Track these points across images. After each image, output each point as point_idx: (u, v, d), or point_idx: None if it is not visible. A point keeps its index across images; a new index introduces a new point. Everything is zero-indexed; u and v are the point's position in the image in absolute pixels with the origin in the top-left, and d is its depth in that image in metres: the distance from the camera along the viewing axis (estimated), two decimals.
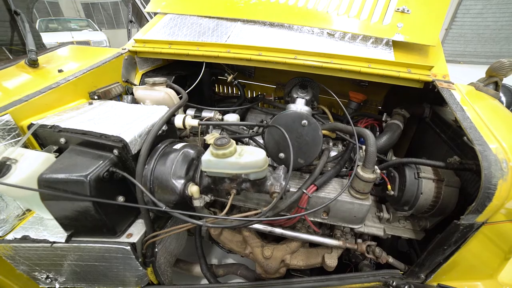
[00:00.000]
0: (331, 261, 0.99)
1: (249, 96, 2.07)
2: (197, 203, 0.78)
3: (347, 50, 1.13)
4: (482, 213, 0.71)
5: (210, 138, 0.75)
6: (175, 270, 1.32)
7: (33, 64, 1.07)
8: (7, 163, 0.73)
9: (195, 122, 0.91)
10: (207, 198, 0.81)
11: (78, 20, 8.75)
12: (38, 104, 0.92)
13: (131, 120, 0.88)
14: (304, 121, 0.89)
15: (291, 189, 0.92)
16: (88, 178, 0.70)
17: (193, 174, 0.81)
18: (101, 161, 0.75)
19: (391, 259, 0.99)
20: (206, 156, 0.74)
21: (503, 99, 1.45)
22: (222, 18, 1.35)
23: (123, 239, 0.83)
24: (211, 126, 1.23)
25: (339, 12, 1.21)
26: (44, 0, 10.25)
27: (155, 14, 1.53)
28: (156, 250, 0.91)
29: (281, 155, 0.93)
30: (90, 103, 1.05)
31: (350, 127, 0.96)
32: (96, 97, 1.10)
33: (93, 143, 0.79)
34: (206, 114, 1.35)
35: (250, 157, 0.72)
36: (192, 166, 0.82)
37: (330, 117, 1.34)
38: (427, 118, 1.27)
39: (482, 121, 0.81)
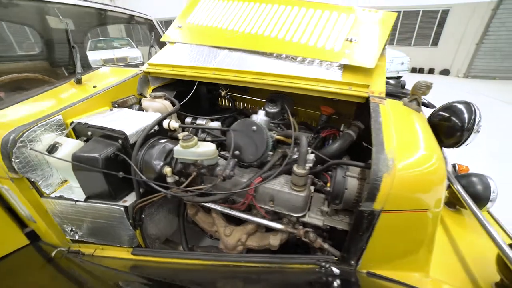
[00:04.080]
0: (274, 241, 1.21)
1: (241, 108, 2.42)
2: (169, 179, 1.10)
3: (304, 72, 1.40)
4: (376, 201, 0.89)
5: (181, 135, 1.09)
6: (164, 247, 1.64)
7: (79, 82, 1.56)
8: (56, 145, 1.15)
9: (177, 125, 1.26)
10: (177, 178, 1.13)
11: (120, 40, 10.29)
12: (78, 109, 1.36)
13: (135, 122, 1.26)
14: (254, 127, 1.18)
15: (243, 180, 1.19)
16: (100, 156, 1.07)
17: (169, 160, 1.15)
18: (110, 147, 1.13)
19: (326, 245, 1.17)
20: (177, 147, 1.07)
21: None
22: (214, 47, 1.73)
23: (120, 203, 1.18)
24: (200, 130, 1.58)
25: (301, 41, 1.51)
26: None
27: (167, 42, 1.99)
28: (143, 216, 1.25)
29: (237, 152, 1.22)
30: (111, 110, 1.48)
31: (296, 133, 1.22)
32: (116, 105, 1.53)
33: (107, 135, 1.18)
34: (199, 121, 1.71)
35: (204, 148, 1.03)
36: (169, 155, 1.16)
37: (296, 127, 1.59)
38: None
39: (389, 126, 1.01)
